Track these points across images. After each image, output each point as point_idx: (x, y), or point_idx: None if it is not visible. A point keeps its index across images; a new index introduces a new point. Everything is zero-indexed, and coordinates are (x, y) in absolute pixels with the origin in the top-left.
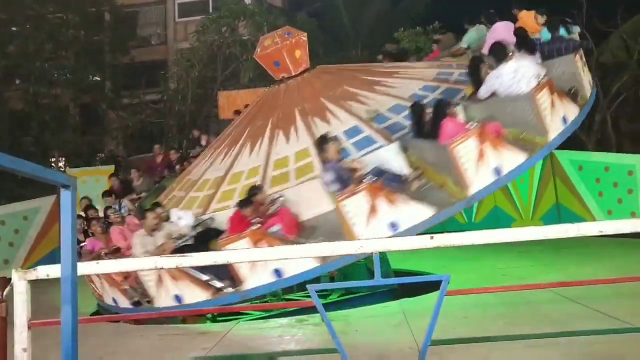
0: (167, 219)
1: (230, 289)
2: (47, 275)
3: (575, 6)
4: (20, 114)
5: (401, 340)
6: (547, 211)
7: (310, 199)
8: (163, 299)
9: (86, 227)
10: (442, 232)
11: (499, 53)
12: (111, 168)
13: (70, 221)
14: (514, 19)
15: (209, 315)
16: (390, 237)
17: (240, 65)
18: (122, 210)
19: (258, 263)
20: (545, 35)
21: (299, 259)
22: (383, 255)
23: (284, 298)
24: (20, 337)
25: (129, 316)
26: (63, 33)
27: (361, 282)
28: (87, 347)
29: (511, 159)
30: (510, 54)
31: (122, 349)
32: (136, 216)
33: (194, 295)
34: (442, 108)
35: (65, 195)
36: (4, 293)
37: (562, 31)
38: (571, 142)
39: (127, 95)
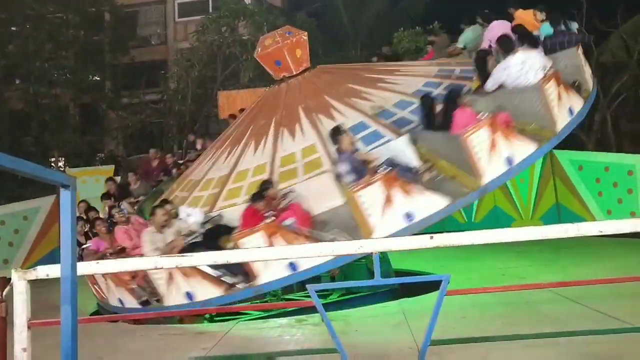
0: (176, 216)
1: (243, 284)
2: (47, 275)
3: (575, 6)
4: (20, 114)
5: (401, 340)
6: (546, 211)
7: (321, 193)
8: (173, 297)
9: (87, 230)
10: (441, 232)
11: (506, 45)
12: (111, 168)
13: (70, 221)
14: (510, 18)
15: (207, 316)
16: (389, 237)
17: (240, 65)
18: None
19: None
20: (545, 30)
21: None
22: (384, 255)
23: (283, 298)
24: (20, 337)
25: (128, 316)
26: (63, 33)
27: (361, 282)
28: (87, 347)
29: (522, 148)
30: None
31: (122, 349)
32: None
33: (206, 292)
34: (453, 99)
35: (64, 195)
36: (4, 293)
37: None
38: (571, 142)
39: (127, 95)
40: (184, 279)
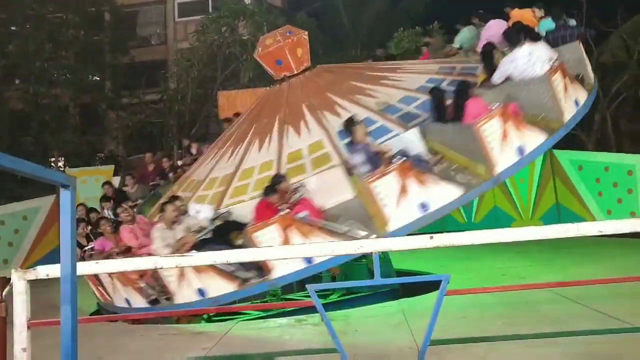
0: (185, 212)
1: (257, 279)
2: (47, 275)
3: (575, 6)
4: (20, 114)
5: (401, 340)
6: (546, 211)
7: (331, 188)
8: (184, 294)
9: (88, 232)
10: (441, 232)
11: (513, 38)
12: (111, 168)
13: (70, 221)
14: (506, 18)
15: (205, 316)
16: (388, 237)
17: (240, 65)
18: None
19: None
20: (545, 26)
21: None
22: (385, 255)
23: (283, 298)
24: (20, 337)
25: (128, 316)
26: (63, 33)
27: (360, 282)
28: (87, 346)
29: (533, 139)
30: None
31: (122, 349)
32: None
33: (219, 287)
34: (465, 89)
35: (64, 195)
36: (4, 293)
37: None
38: (571, 142)
39: (127, 95)
40: (196, 275)
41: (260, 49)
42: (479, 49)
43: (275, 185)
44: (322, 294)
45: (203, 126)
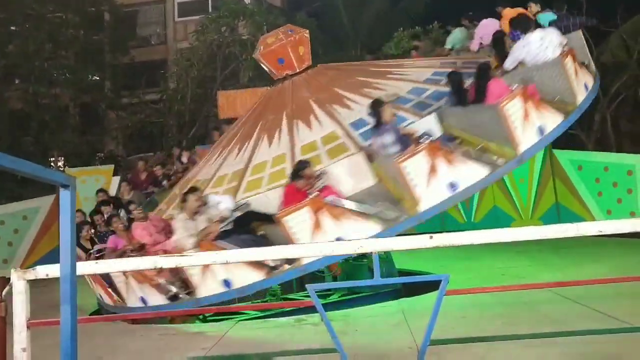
0: (205, 204)
1: (286, 266)
2: (47, 275)
3: (575, 6)
4: (20, 114)
5: (400, 340)
6: (546, 211)
7: (352, 176)
8: (209, 286)
9: (93, 235)
10: (441, 232)
11: (524, 24)
12: (111, 168)
13: (70, 221)
14: (498, 17)
15: (201, 316)
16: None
17: (239, 65)
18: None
19: (318, 234)
20: (544, 19)
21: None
22: (387, 255)
23: (282, 298)
24: (20, 337)
25: (127, 316)
26: (63, 33)
27: (360, 282)
28: (87, 346)
29: (551, 119)
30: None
31: (122, 349)
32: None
33: (246, 277)
34: (485, 71)
35: (64, 195)
36: (3, 293)
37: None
38: (571, 141)
39: (127, 95)
40: (222, 266)
41: (261, 47)
42: (474, 47)
43: (299, 172)
44: (323, 294)
45: (203, 126)
